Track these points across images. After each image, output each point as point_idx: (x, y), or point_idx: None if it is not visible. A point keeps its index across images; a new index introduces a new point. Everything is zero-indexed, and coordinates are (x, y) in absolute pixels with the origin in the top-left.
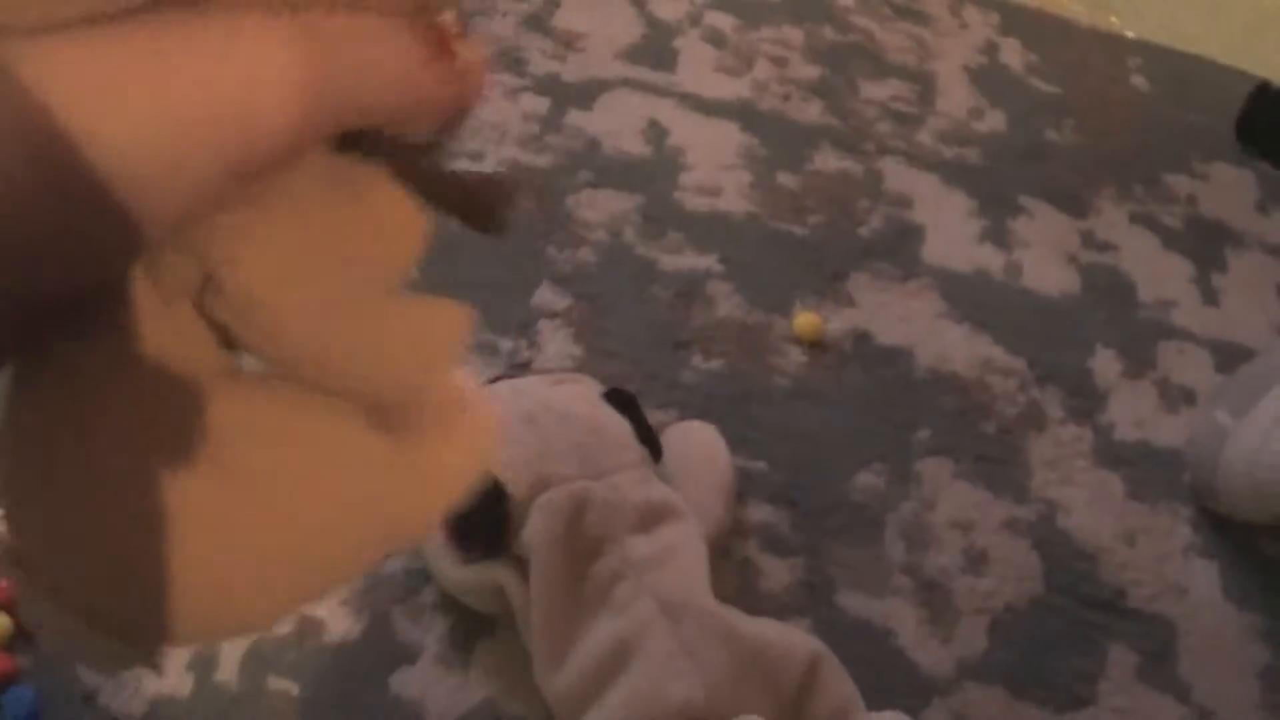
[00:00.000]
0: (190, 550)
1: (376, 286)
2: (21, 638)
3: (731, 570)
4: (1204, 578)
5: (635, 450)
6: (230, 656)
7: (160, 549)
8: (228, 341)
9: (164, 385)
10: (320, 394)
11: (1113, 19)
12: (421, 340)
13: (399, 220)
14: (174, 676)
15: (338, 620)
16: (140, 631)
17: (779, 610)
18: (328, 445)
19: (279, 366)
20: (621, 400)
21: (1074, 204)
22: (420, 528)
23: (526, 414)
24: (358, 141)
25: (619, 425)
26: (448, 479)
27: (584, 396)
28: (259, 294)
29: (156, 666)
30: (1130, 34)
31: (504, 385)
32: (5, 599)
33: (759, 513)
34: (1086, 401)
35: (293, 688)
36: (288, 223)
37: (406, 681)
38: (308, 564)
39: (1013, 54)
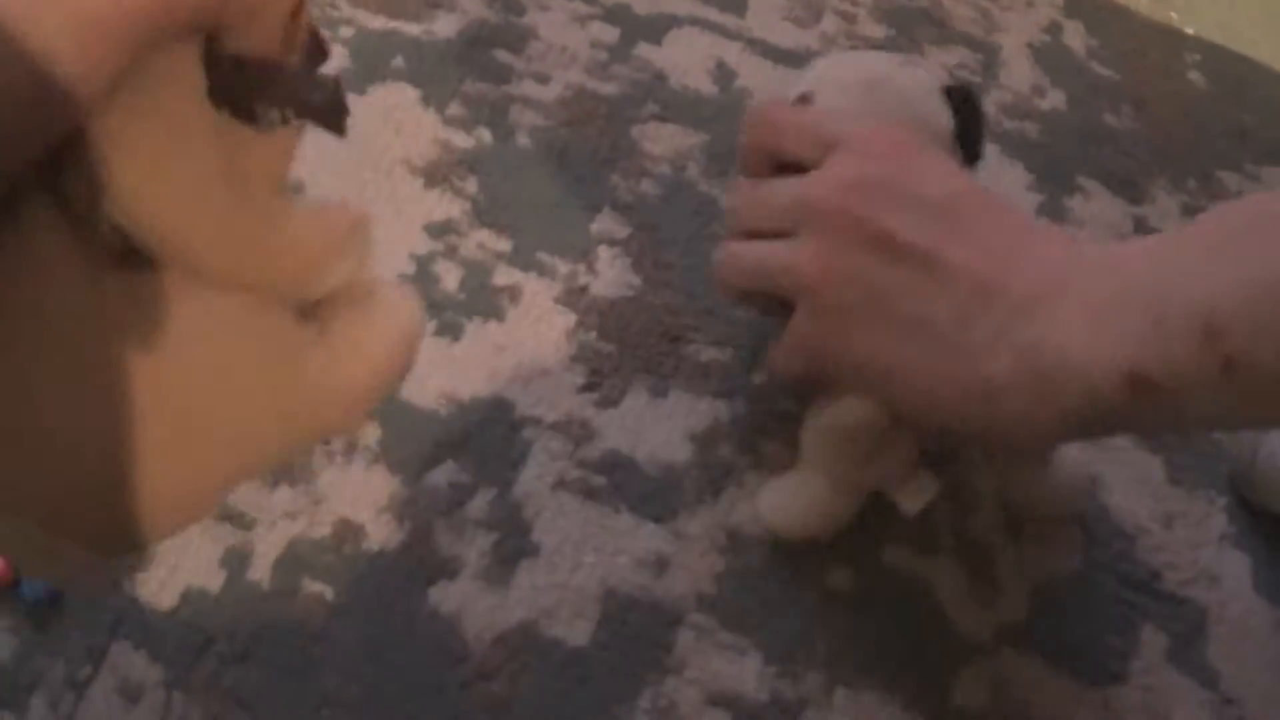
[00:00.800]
0: (135, 442)
1: (257, 188)
2: None
3: None
4: (1237, 568)
5: (948, 149)
6: (264, 556)
7: (108, 444)
8: (129, 249)
9: (80, 281)
10: (232, 288)
11: (1171, 14)
12: (312, 237)
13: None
14: (206, 571)
15: (378, 528)
16: (107, 535)
17: (820, 557)
18: (245, 330)
19: (179, 265)
20: (958, 96)
21: (1129, 189)
22: (342, 416)
23: (868, 80)
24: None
25: (942, 119)
26: (366, 368)
27: (923, 82)
28: (141, 199)
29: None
30: (1189, 30)
31: (851, 54)
32: None
33: None
34: None
35: (327, 591)
36: (161, 130)
37: (445, 595)
38: (237, 447)
39: (1075, 36)
